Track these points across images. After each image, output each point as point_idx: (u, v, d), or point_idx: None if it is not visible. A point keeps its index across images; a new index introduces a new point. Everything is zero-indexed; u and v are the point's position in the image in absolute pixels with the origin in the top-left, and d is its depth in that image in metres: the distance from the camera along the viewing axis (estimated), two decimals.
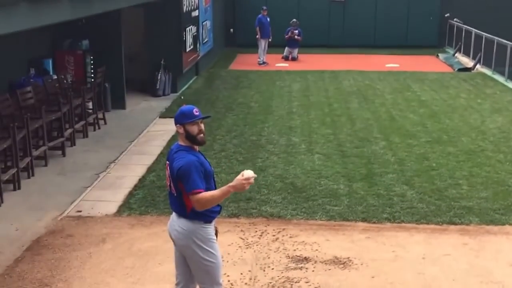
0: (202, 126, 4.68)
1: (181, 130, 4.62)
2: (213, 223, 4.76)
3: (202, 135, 4.66)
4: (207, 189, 4.50)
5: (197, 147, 4.71)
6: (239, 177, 4.35)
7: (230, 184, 4.39)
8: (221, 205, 4.86)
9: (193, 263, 4.74)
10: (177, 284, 4.99)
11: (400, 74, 18.29)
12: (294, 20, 21.40)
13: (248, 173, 4.36)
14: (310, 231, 7.29)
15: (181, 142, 4.67)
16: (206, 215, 4.63)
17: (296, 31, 21.09)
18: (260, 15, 20.39)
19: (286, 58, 21.17)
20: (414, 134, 11.54)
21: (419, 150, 10.51)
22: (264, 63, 20.14)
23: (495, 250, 6.86)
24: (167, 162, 4.74)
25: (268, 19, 20.44)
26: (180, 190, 4.57)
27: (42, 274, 6.24)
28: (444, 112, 13.40)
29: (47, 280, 6.11)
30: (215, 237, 4.75)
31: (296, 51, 21.24)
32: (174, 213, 4.78)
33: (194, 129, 4.60)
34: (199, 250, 4.64)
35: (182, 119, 4.61)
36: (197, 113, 4.64)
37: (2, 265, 6.43)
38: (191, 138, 4.62)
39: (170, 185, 4.70)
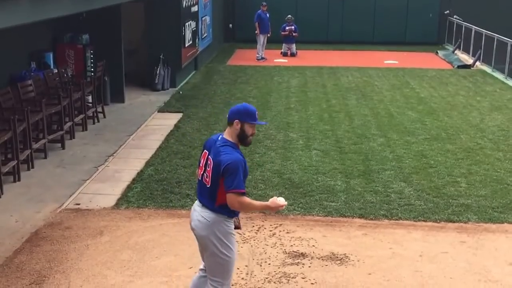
0: (255, 130, 4.74)
1: (238, 127, 4.60)
2: (234, 218, 4.79)
3: (251, 137, 4.71)
4: None
5: (239, 146, 4.72)
6: (276, 201, 4.59)
7: (269, 204, 4.61)
8: None
9: (209, 255, 4.74)
10: (201, 270, 5.02)
11: (398, 71, 18.28)
12: (289, 16, 21.36)
13: (282, 200, 4.64)
14: (307, 227, 7.29)
15: (228, 137, 4.65)
16: (231, 211, 4.66)
17: (293, 27, 21.08)
18: (259, 11, 20.37)
19: (285, 55, 21.14)
20: (413, 131, 11.53)
21: (417, 147, 10.50)
22: (262, 58, 20.12)
23: (493, 248, 6.85)
24: (205, 151, 4.72)
25: (268, 14, 20.43)
26: (217, 183, 4.56)
27: (40, 265, 6.25)
28: (443, 109, 13.40)
29: (45, 272, 6.12)
30: (234, 232, 4.78)
31: (294, 46, 21.21)
32: (198, 203, 4.77)
33: (250, 130, 4.64)
34: (218, 243, 4.65)
35: (246, 117, 4.61)
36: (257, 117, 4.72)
37: (1, 256, 6.44)
38: (243, 137, 4.63)
39: (203, 174, 4.68)
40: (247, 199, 4.58)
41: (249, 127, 4.62)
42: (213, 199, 4.62)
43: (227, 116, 4.72)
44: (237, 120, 4.60)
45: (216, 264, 4.72)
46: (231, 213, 4.68)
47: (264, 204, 4.66)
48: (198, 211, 4.72)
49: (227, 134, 4.67)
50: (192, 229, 4.81)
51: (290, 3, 23.42)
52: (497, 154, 10.17)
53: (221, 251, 4.66)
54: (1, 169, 8.14)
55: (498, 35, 18.22)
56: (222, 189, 4.54)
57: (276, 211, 4.75)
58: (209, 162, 4.62)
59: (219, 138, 4.68)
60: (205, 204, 4.68)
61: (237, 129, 4.60)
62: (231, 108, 4.73)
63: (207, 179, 4.63)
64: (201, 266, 5.04)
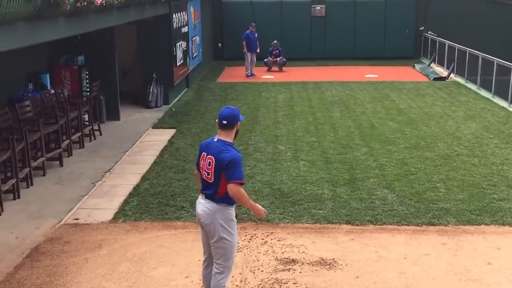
0: None
1: (238, 127, 5.13)
2: (234, 206, 5.13)
3: None
4: None
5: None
6: (261, 208, 5.18)
7: (257, 205, 5.16)
8: None
9: (213, 241, 5.09)
10: (204, 260, 5.38)
11: (379, 84, 18.34)
12: (275, 41, 21.56)
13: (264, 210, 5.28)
14: (297, 234, 7.24)
15: (225, 138, 5.05)
16: (230, 200, 5.05)
17: (277, 51, 21.27)
18: (248, 31, 20.41)
19: (269, 68, 21.28)
20: (394, 140, 11.55)
21: (399, 155, 10.51)
22: (252, 75, 20.15)
23: (472, 249, 6.85)
24: (203, 153, 5.08)
25: (256, 34, 20.49)
26: (219, 177, 4.96)
27: (41, 280, 6.15)
28: (421, 119, 13.44)
29: (46, 286, 6.02)
30: (235, 219, 5.15)
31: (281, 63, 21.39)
32: (202, 196, 5.15)
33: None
34: (221, 229, 5.04)
35: (240, 117, 5.11)
36: None
37: (2, 272, 6.33)
38: (237, 133, 5.17)
39: (205, 172, 5.06)
40: (243, 191, 4.97)
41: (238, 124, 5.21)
42: (215, 192, 5.01)
43: (225, 122, 5.04)
44: (238, 123, 5.11)
45: (220, 248, 5.10)
46: (230, 201, 5.04)
47: (253, 203, 5.15)
48: (202, 203, 5.11)
49: (223, 136, 5.07)
50: (198, 220, 5.19)
51: (276, 23, 23.52)
52: (473, 160, 10.19)
53: (224, 237, 5.04)
54: (1, 187, 8.03)
55: (470, 49, 18.37)
56: (223, 183, 4.95)
57: (258, 216, 5.21)
58: (210, 161, 5.00)
59: (215, 141, 5.06)
60: (208, 196, 5.07)
61: (237, 128, 5.12)
62: (225, 114, 5.05)
63: (209, 176, 5.02)
64: (204, 258, 5.36)
